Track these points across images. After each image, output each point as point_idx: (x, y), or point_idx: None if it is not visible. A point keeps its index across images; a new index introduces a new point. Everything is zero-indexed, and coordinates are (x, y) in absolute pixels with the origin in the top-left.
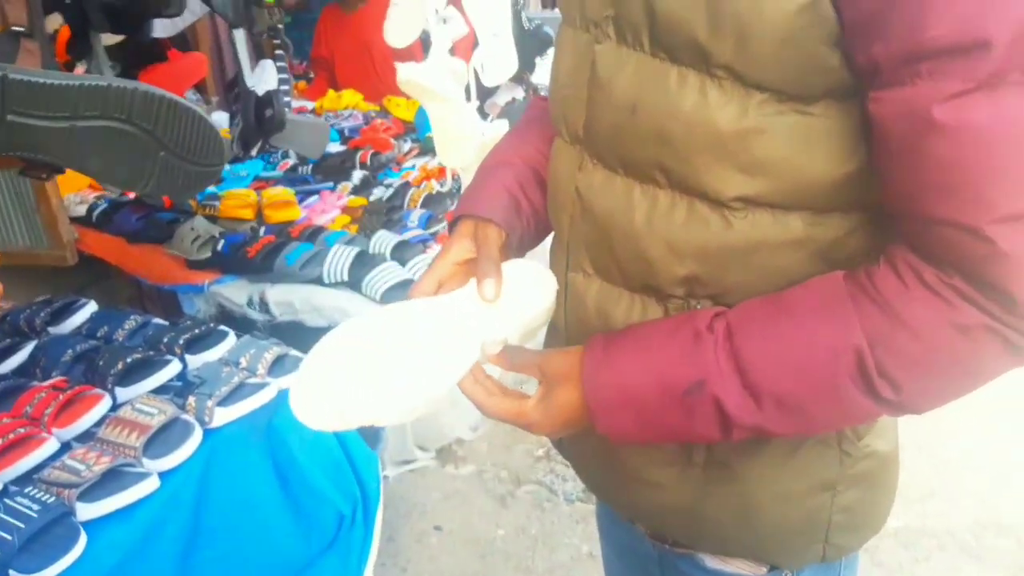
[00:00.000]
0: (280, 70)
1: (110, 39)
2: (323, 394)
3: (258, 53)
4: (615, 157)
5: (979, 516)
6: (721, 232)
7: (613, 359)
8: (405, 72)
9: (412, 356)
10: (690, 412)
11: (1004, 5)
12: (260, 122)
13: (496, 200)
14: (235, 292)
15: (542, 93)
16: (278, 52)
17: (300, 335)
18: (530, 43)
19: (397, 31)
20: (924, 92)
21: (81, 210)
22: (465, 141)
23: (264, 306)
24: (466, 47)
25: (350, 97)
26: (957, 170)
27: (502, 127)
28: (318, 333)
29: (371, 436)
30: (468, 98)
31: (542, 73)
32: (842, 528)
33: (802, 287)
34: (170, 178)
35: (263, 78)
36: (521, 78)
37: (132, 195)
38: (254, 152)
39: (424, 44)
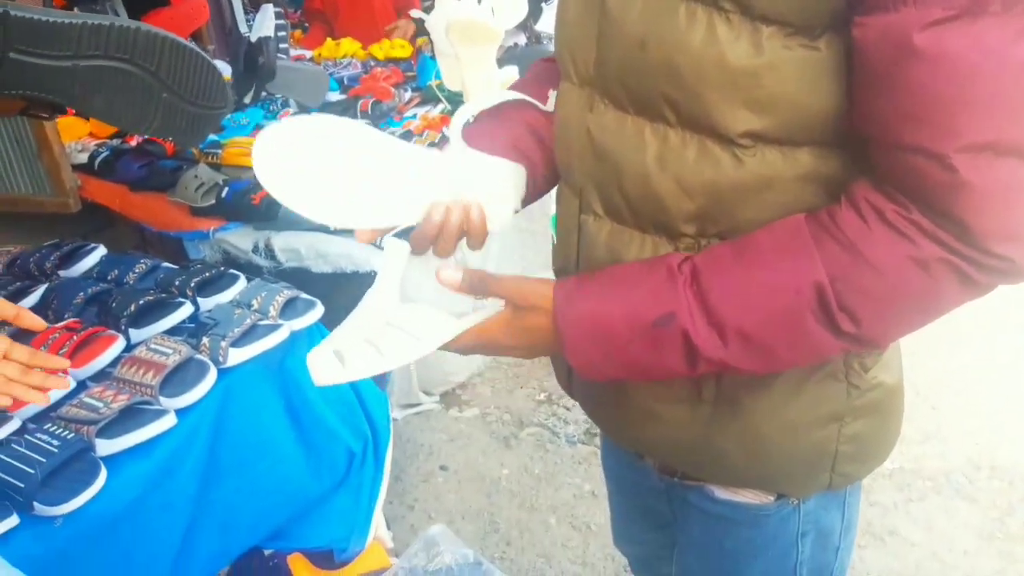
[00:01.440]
0: (277, 15)
1: None
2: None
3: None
4: (626, 95)
5: (973, 457)
6: (732, 169)
7: (587, 290)
8: (459, 11)
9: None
10: (658, 344)
11: None
12: (252, 69)
13: (492, 141)
14: (240, 239)
15: (544, 42)
16: None
17: (306, 281)
18: None
19: None
20: (907, 18)
21: (83, 158)
22: (493, 82)
23: (270, 252)
24: None
25: (348, 46)
26: (930, 97)
27: (511, 72)
28: (324, 279)
29: (379, 378)
30: None
31: (546, 21)
32: (849, 458)
33: (766, 229)
34: (173, 120)
35: (263, 23)
36: (525, 24)
37: (134, 143)
38: (248, 100)
39: None
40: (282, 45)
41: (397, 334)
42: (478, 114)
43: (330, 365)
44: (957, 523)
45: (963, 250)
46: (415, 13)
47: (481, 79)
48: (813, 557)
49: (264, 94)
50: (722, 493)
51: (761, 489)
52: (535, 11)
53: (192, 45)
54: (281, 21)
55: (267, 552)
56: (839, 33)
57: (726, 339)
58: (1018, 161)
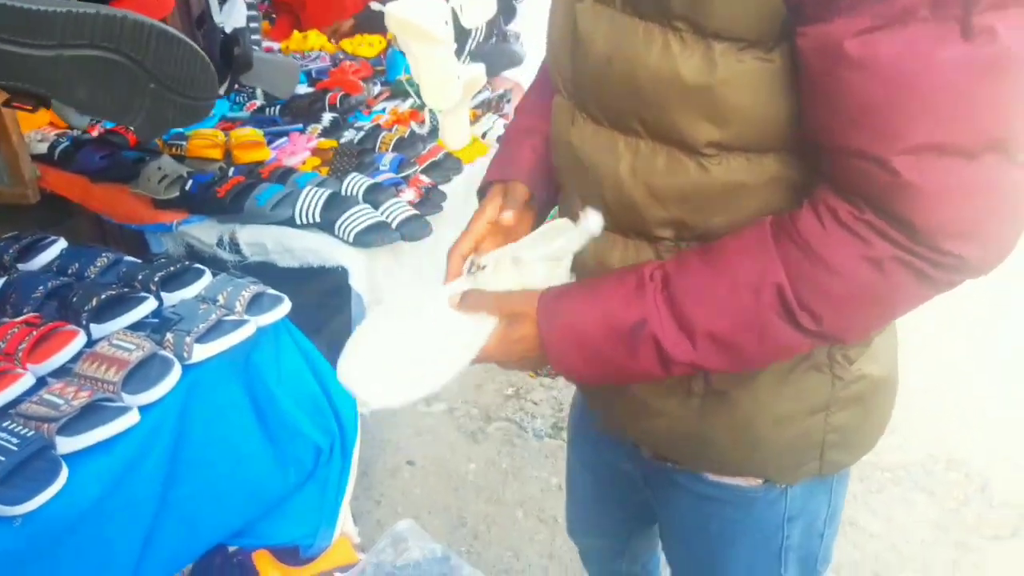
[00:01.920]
0: (249, 7)
1: None
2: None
3: None
4: (599, 110)
5: (932, 451)
6: (699, 177)
7: (566, 302)
8: (396, 9)
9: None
10: (633, 350)
11: None
12: (227, 61)
13: (525, 165)
14: (204, 232)
15: (512, 41)
16: None
17: (272, 275)
18: None
19: None
20: (840, 27)
21: (42, 148)
22: (450, 83)
23: (235, 246)
24: None
25: (316, 39)
26: (866, 103)
27: (478, 69)
28: (290, 274)
29: None
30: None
31: (521, 21)
32: (836, 446)
33: (732, 235)
34: (161, 111)
35: (232, 15)
36: (495, 22)
37: (95, 132)
38: (222, 91)
39: None
40: (254, 36)
41: (419, 364)
42: (502, 135)
43: (380, 391)
44: (915, 514)
45: (915, 248)
46: (375, 5)
47: (435, 75)
48: (800, 544)
49: (236, 85)
50: (711, 475)
51: (752, 476)
52: (507, 10)
53: (181, 35)
54: (254, 12)
55: (231, 549)
56: (792, 43)
57: (695, 342)
58: (960, 160)
